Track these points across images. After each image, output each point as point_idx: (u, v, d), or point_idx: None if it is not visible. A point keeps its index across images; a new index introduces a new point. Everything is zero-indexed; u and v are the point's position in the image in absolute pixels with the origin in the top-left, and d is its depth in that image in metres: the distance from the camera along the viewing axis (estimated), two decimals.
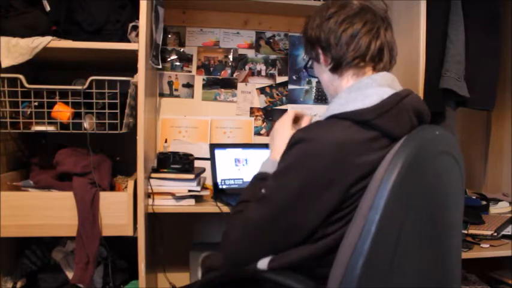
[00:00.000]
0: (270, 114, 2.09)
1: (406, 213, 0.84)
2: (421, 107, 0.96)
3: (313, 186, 0.87)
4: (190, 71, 2.03)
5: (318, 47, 1.04)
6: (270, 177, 0.96)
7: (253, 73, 2.08)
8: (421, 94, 1.60)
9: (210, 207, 1.64)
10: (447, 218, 0.95)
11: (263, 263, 0.93)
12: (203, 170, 1.77)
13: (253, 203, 0.96)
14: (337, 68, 1.02)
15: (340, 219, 0.88)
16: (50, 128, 1.46)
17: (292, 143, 0.92)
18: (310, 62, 1.13)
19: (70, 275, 1.56)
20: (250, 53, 2.07)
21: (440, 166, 0.91)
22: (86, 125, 1.45)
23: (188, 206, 1.62)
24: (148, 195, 1.57)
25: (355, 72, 1.02)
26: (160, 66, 1.77)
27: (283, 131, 1.13)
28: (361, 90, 0.95)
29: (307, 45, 1.08)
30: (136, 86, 1.45)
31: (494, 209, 1.92)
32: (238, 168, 1.84)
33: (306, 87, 2.12)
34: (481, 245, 1.63)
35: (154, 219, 1.71)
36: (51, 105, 1.43)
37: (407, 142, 0.85)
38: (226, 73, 2.06)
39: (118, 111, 1.44)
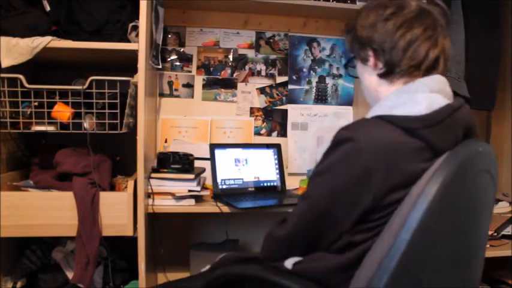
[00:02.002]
0: (270, 114, 2.09)
1: (438, 233, 0.81)
2: (470, 122, 0.91)
3: (353, 187, 0.84)
4: (190, 71, 2.03)
5: (369, 48, 0.96)
6: (313, 174, 0.93)
7: (253, 73, 2.08)
8: None
9: (210, 207, 1.64)
10: (477, 237, 0.92)
11: (289, 263, 0.93)
12: (203, 170, 1.77)
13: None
14: (388, 74, 0.95)
15: (368, 230, 0.85)
16: (50, 128, 1.46)
17: (337, 142, 0.87)
18: (353, 61, 1.06)
19: (70, 275, 1.56)
20: (250, 53, 2.07)
21: (478, 185, 0.88)
22: (86, 125, 1.45)
23: (188, 206, 1.62)
24: (148, 195, 1.57)
25: (406, 80, 0.94)
26: (160, 66, 1.77)
27: None
28: (411, 94, 0.89)
29: (355, 43, 1.00)
30: (136, 86, 1.45)
31: (494, 209, 1.91)
32: (238, 168, 1.84)
33: (306, 87, 2.12)
34: None
35: (154, 219, 1.71)
36: (51, 105, 1.43)
37: (449, 160, 0.80)
38: (226, 73, 2.06)
39: (118, 111, 1.44)
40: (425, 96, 0.88)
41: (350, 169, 0.84)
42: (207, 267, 1.14)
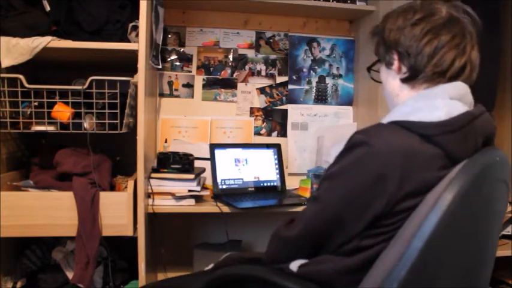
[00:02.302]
0: (270, 114, 2.09)
1: (451, 243, 0.80)
2: (490, 130, 0.90)
3: (366, 192, 0.83)
4: (190, 71, 2.03)
5: (395, 51, 0.95)
6: (324, 177, 0.93)
7: (253, 73, 2.08)
8: None
9: (210, 207, 1.64)
10: (488, 246, 0.91)
11: (294, 265, 0.92)
12: (203, 170, 1.77)
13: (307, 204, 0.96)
14: (411, 79, 0.93)
15: (378, 235, 0.84)
16: (50, 128, 1.46)
17: (352, 145, 0.86)
18: (376, 65, 1.05)
19: (70, 275, 1.56)
20: (250, 53, 2.07)
21: (493, 194, 0.86)
22: (86, 125, 1.45)
23: (188, 206, 1.62)
24: (148, 195, 1.57)
25: (428, 86, 0.92)
26: (160, 66, 1.77)
27: None
28: (430, 100, 0.88)
29: (381, 46, 0.99)
30: (136, 86, 1.45)
31: None
32: (238, 168, 1.84)
33: (306, 87, 2.12)
34: None
35: (154, 219, 1.71)
36: (51, 105, 1.43)
37: (467, 168, 0.79)
38: (226, 73, 2.06)
39: (118, 111, 1.44)
40: (444, 102, 0.86)
41: (363, 174, 0.83)
42: (211, 266, 1.14)
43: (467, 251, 0.84)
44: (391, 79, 0.98)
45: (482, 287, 0.94)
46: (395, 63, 0.95)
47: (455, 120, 0.84)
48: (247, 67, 2.07)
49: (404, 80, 0.95)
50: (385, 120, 0.90)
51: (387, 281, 0.77)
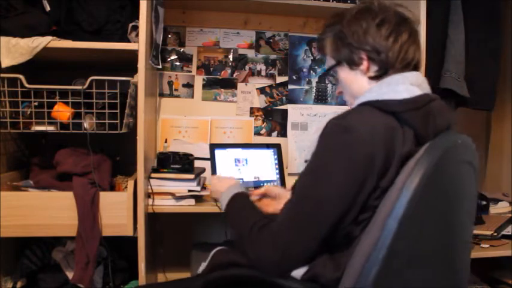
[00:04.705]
0: (270, 114, 2.09)
1: (423, 222, 0.82)
2: (447, 114, 0.96)
3: (359, 175, 0.85)
4: (190, 71, 2.03)
5: (363, 52, 0.99)
6: (305, 173, 0.93)
7: (253, 73, 2.08)
8: None
9: (210, 207, 1.64)
10: (461, 227, 0.94)
11: (298, 273, 0.91)
12: (203, 170, 1.77)
13: (284, 208, 0.94)
14: (382, 76, 0.99)
15: (365, 221, 0.87)
16: (50, 128, 1.46)
17: (329, 133, 0.90)
18: (333, 67, 1.08)
19: (70, 275, 1.56)
20: (250, 53, 2.07)
21: (459, 175, 0.90)
22: (86, 125, 1.45)
23: (188, 206, 1.62)
24: (148, 195, 1.57)
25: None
26: (160, 66, 1.77)
27: (221, 179, 1.23)
28: (392, 86, 0.95)
29: (344, 49, 1.02)
30: (136, 86, 1.45)
31: (494, 209, 1.92)
32: (238, 168, 1.84)
33: (306, 87, 2.12)
34: (481, 245, 1.63)
35: (154, 219, 1.71)
36: (51, 105, 1.43)
37: (430, 150, 0.83)
38: (226, 73, 2.06)
39: (118, 111, 1.44)
40: (406, 87, 0.94)
41: (352, 159, 0.85)
42: (203, 264, 1.13)
43: (440, 230, 0.88)
44: (357, 78, 1.03)
45: (462, 267, 0.96)
46: (365, 63, 1.00)
47: (417, 99, 0.91)
48: (247, 67, 2.07)
49: (373, 77, 1.00)
50: (354, 105, 0.97)
51: (367, 265, 0.79)
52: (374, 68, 1.00)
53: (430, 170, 0.80)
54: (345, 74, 1.05)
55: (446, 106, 0.98)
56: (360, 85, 1.03)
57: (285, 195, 1.28)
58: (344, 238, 0.89)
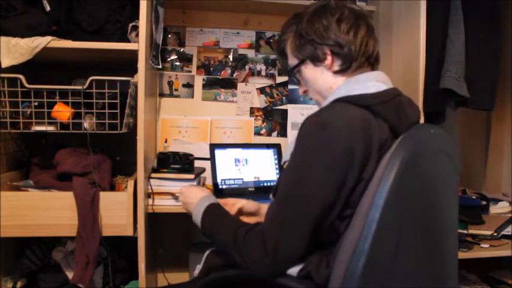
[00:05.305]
0: (270, 114, 2.09)
1: (404, 212, 0.85)
2: (415, 107, 1.03)
3: (341, 171, 0.86)
4: (190, 71, 2.03)
5: (326, 47, 1.03)
6: (286, 173, 0.93)
7: (253, 73, 2.08)
8: (420, 94, 1.60)
9: None
10: (443, 216, 0.96)
11: (294, 270, 0.91)
12: (203, 170, 1.77)
13: (269, 210, 0.94)
14: (346, 70, 1.03)
15: (350, 217, 0.88)
16: (50, 128, 1.46)
17: (307, 131, 0.90)
18: (297, 66, 1.09)
19: (70, 275, 1.56)
20: (250, 53, 2.07)
21: (435, 164, 0.93)
22: (86, 125, 1.45)
23: None
24: (148, 195, 1.57)
25: (359, 73, 1.04)
26: (160, 66, 1.76)
27: (192, 190, 1.23)
28: (360, 83, 0.99)
29: (307, 46, 1.05)
30: (136, 86, 1.45)
31: (494, 209, 1.92)
32: (238, 168, 1.84)
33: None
34: (481, 245, 1.63)
35: (154, 219, 1.71)
36: (51, 105, 1.43)
37: (404, 141, 0.86)
38: (226, 73, 2.06)
39: (118, 111, 1.44)
40: (373, 83, 0.98)
41: (332, 156, 0.87)
42: (199, 267, 1.13)
43: (422, 220, 0.90)
44: (322, 74, 1.06)
45: (450, 258, 0.98)
46: (329, 58, 1.03)
47: (387, 92, 0.96)
48: (247, 67, 2.07)
49: (338, 72, 1.04)
50: (325, 104, 0.98)
51: (354, 257, 0.80)
52: (338, 62, 1.03)
53: (406, 159, 0.83)
54: (309, 71, 1.08)
55: (412, 100, 1.03)
56: (324, 80, 1.05)
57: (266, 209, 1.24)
58: (332, 235, 0.90)
